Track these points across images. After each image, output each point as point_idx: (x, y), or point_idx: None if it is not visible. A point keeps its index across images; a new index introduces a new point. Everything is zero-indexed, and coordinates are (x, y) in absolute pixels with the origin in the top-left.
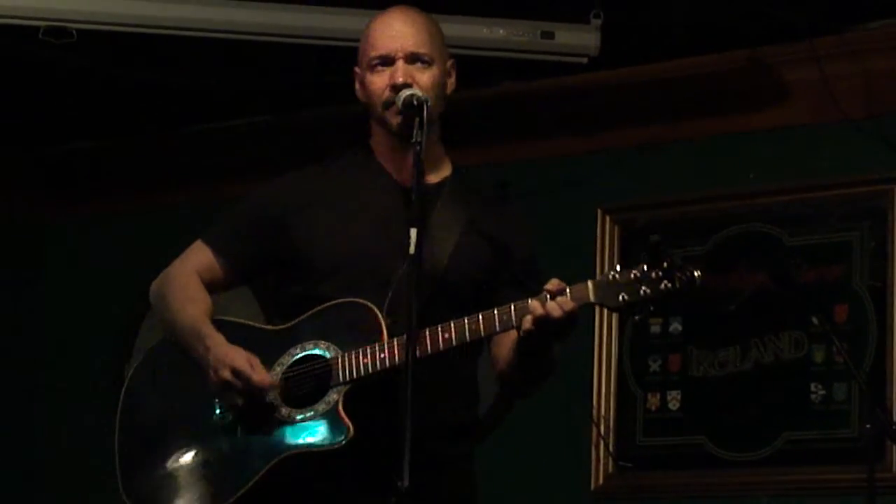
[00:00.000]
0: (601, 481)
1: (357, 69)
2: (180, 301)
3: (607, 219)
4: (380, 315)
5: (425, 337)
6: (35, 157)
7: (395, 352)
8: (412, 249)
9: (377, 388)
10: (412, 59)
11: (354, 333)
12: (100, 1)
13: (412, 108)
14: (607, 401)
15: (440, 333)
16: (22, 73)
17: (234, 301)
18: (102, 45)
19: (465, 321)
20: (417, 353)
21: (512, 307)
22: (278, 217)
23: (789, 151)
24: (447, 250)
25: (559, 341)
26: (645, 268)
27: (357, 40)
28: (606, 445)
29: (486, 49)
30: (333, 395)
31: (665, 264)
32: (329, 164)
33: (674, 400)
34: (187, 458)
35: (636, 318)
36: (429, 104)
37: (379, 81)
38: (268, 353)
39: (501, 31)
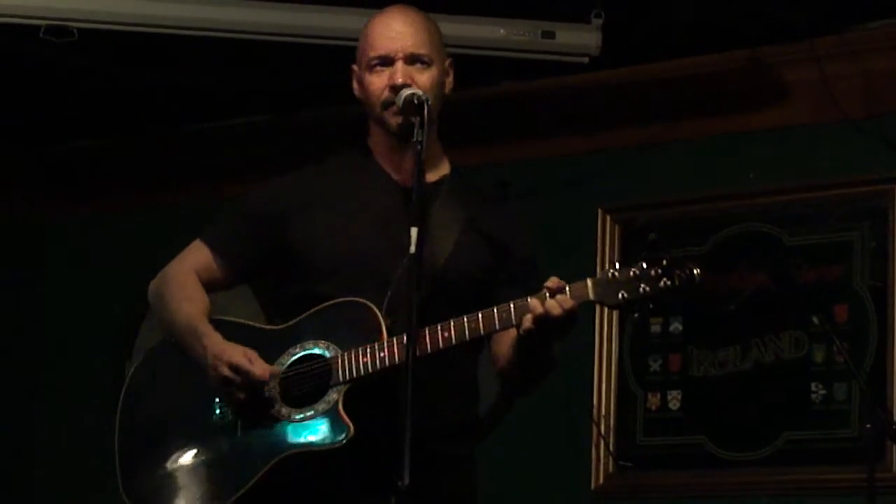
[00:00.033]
0: (601, 481)
1: (355, 67)
2: (178, 300)
3: (607, 218)
4: (379, 314)
5: (425, 336)
6: (35, 156)
7: (395, 351)
8: (412, 248)
9: (377, 387)
10: (411, 59)
11: (354, 333)
12: (101, 0)
13: (412, 107)
14: (607, 400)
15: (440, 332)
16: (22, 72)
17: (233, 300)
18: (103, 44)
19: (465, 320)
20: (417, 352)
21: (511, 305)
22: (277, 217)
23: (789, 151)
24: (446, 249)
25: (559, 339)
26: (644, 266)
27: (357, 40)
28: (606, 445)
29: (486, 49)
30: (333, 395)
31: (664, 262)
32: (328, 164)
33: (674, 400)
34: (187, 457)
35: (636, 315)
36: (429, 103)
37: (378, 82)
38: (267, 352)
39: (502, 31)
